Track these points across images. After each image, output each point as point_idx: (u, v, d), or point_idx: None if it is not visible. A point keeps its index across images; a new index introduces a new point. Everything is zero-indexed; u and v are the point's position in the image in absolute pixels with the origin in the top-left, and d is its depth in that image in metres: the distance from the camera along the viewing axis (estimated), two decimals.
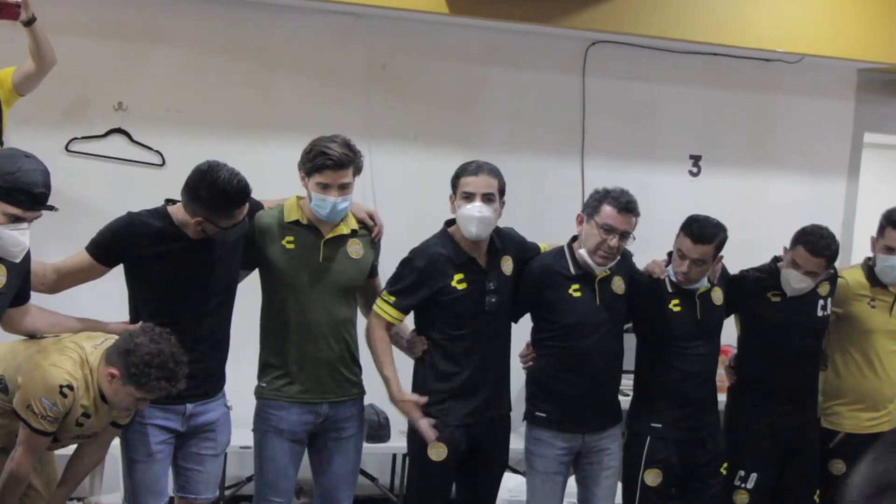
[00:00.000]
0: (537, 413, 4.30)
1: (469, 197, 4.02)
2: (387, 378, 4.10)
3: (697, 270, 4.30)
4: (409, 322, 4.27)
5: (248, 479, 5.39)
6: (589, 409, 4.27)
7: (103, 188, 5.33)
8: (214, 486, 4.04)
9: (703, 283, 4.39)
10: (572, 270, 4.23)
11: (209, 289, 3.83)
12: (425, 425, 4.07)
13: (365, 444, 4.38)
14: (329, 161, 3.83)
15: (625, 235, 4.16)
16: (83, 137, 5.37)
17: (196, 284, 3.79)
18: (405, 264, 4.12)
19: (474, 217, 4.00)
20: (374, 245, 4.16)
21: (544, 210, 5.81)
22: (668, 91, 6.45)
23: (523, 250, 4.33)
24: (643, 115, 6.42)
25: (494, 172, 4.09)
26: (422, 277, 4.05)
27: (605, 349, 4.26)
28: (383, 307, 4.09)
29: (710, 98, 6.53)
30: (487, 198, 4.02)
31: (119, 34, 5.44)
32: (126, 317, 3.85)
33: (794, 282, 4.46)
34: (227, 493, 5.49)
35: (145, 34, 5.47)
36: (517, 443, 4.51)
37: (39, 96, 4.81)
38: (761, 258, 4.74)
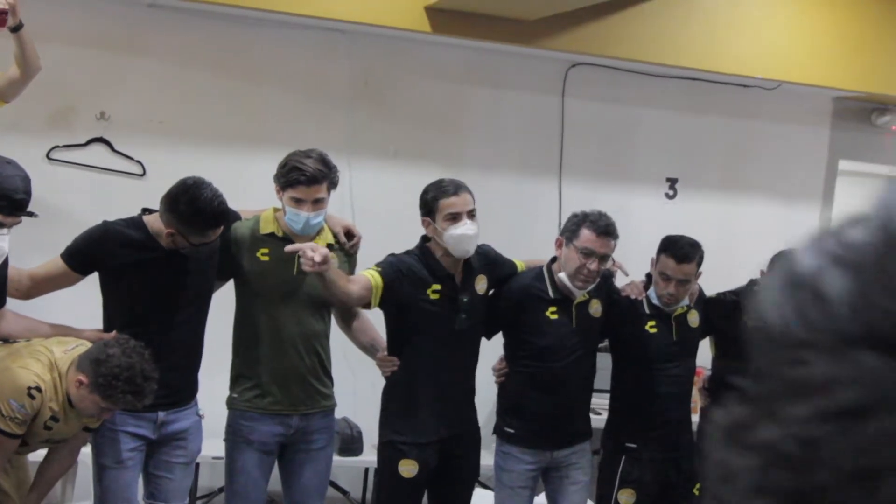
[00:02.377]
0: (506, 429, 4.34)
1: (455, 217, 4.02)
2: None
3: (683, 290, 4.37)
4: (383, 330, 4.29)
5: (220, 490, 5.39)
6: (558, 428, 4.31)
7: (84, 197, 5.36)
8: (184, 494, 4.07)
9: (681, 305, 4.45)
10: (551, 294, 4.27)
11: (183, 298, 3.87)
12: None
13: (337, 458, 4.42)
14: (303, 176, 3.86)
15: (604, 258, 4.21)
16: (65, 146, 5.40)
17: (170, 294, 3.83)
18: (393, 255, 4.13)
19: (468, 236, 4.02)
20: (349, 259, 4.20)
21: (520, 229, 5.85)
22: (646, 114, 6.51)
23: (498, 267, 4.36)
24: (621, 137, 6.49)
25: (468, 188, 4.12)
26: (402, 276, 4.04)
27: (577, 371, 4.31)
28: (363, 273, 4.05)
29: (687, 122, 6.60)
30: (471, 214, 4.06)
31: (104, 44, 5.47)
32: (100, 324, 3.88)
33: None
34: (199, 503, 5.50)
35: (130, 45, 5.51)
36: (486, 458, 4.54)
37: (22, 103, 4.82)
38: (736, 281, 4.80)
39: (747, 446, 0.35)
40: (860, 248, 0.37)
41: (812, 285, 0.38)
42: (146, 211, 3.87)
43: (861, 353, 0.34)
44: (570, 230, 4.23)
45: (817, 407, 0.33)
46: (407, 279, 4.04)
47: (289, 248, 3.80)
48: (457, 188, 4.08)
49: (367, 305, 4.08)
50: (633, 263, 4.61)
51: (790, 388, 0.35)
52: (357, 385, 4.92)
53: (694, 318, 4.53)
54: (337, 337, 4.30)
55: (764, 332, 0.38)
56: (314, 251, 3.65)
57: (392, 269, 4.02)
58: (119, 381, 3.40)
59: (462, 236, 4.02)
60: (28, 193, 3.34)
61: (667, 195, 6.60)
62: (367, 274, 4.00)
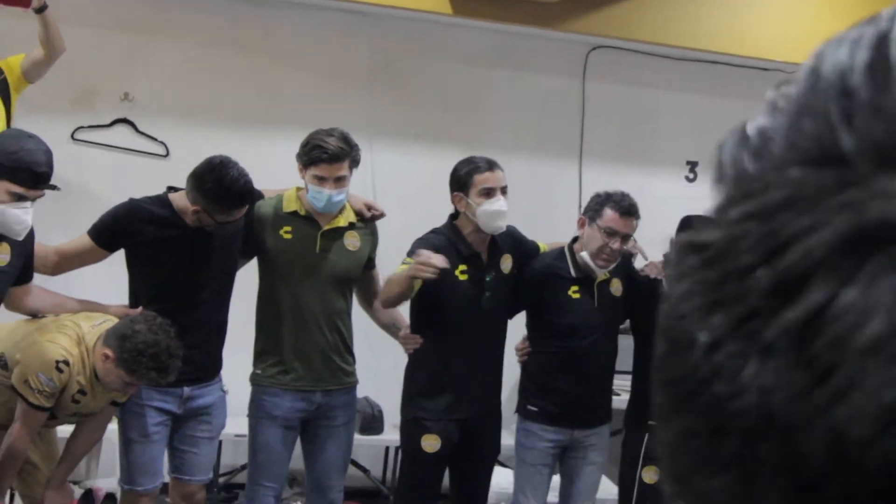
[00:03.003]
0: (529, 407, 4.38)
1: (489, 193, 4.08)
2: (403, 277, 3.95)
3: None
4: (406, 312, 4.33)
5: (243, 468, 5.46)
6: (580, 407, 4.35)
7: (107, 177, 5.41)
8: (208, 468, 4.13)
9: None
10: (572, 272, 4.31)
11: (207, 275, 3.91)
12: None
13: (358, 437, 4.46)
14: (325, 154, 3.91)
15: (626, 238, 4.25)
16: (89, 126, 5.46)
17: (195, 271, 3.88)
18: (420, 238, 4.16)
19: (503, 212, 4.08)
20: (371, 237, 4.24)
21: (541, 211, 5.87)
22: (666, 97, 6.51)
23: (522, 248, 4.41)
24: (641, 120, 6.49)
25: (501, 167, 4.18)
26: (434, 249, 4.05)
27: (600, 350, 4.35)
28: (400, 268, 4.04)
29: (708, 105, 6.59)
30: (504, 191, 4.12)
31: (127, 26, 5.52)
32: (126, 301, 3.93)
33: None
34: (221, 480, 5.56)
35: (153, 27, 5.56)
36: (506, 438, 4.58)
37: (47, 84, 4.89)
38: None
39: (693, 249, 0.40)
40: (793, 93, 0.43)
41: (756, 131, 0.43)
42: (172, 189, 3.92)
43: (790, 169, 0.40)
44: (594, 210, 4.27)
45: (745, 208, 0.38)
46: None
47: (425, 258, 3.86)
48: (491, 164, 4.14)
49: None
50: (653, 245, 4.63)
51: (731, 199, 0.40)
52: (378, 365, 4.96)
53: None
54: (358, 317, 4.34)
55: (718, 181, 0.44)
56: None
57: (432, 248, 4.04)
58: (144, 357, 3.45)
59: (497, 212, 4.07)
60: (50, 167, 3.39)
61: (687, 178, 6.61)
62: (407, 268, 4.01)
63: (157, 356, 3.47)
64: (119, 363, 3.49)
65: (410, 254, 4.07)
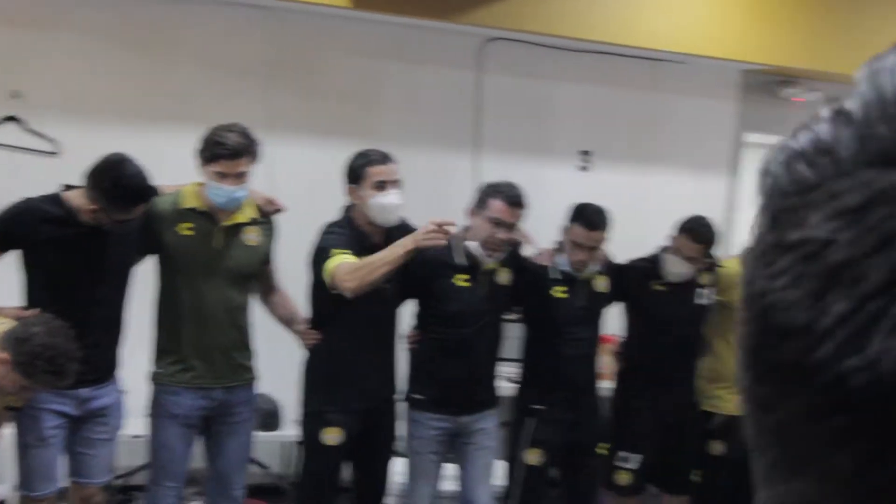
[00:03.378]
0: (415, 395, 4.42)
1: (382, 185, 4.10)
2: (396, 253, 3.88)
3: (593, 256, 4.50)
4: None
5: (140, 469, 5.41)
6: (466, 393, 4.42)
7: None
8: (107, 470, 4.08)
9: (589, 271, 4.57)
10: (459, 261, 4.36)
11: (103, 275, 3.87)
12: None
13: (257, 433, 4.45)
14: (225, 150, 3.89)
15: (513, 228, 4.31)
16: None
17: (89, 270, 3.83)
18: (328, 231, 4.14)
19: (394, 205, 4.10)
20: (270, 233, 4.23)
21: (437, 203, 5.86)
22: (560, 88, 6.61)
23: None
24: (536, 111, 6.58)
25: (395, 160, 4.20)
26: (349, 245, 4.05)
27: (485, 337, 4.42)
28: (335, 260, 3.98)
29: (600, 95, 6.71)
30: (397, 184, 4.13)
31: (15, 21, 5.40)
32: (21, 302, 3.86)
33: (675, 267, 4.68)
34: (118, 482, 5.48)
35: (42, 21, 5.45)
36: (401, 428, 4.62)
37: None
38: (647, 250, 4.93)
39: (785, 248, 0.46)
40: (855, 107, 0.48)
41: (810, 143, 0.49)
42: (67, 187, 3.86)
43: (860, 171, 0.45)
44: (481, 200, 4.33)
45: (831, 208, 0.44)
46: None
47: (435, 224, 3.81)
48: (384, 157, 4.16)
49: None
50: (547, 234, 4.71)
51: (808, 203, 0.46)
52: (274, 360, 4.94)
53: (601, 284, 4.67)
54: (254, 312, 4.32)
55: (774, 187, 0.50)
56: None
57: (347, 245, 4.04)
58: (40, 360, 3.39)
59: (388, 205, 4.10)
60: None
61: (580, 167, 6.71)
62: (347, 258, 3.97)
63: (54, 359, 3.41)
64: (15, 367, 3.42)
65: (326, 248, 4.04)
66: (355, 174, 4.15)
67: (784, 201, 0.48)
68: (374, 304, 4.16)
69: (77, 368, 3.49)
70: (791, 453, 0.45)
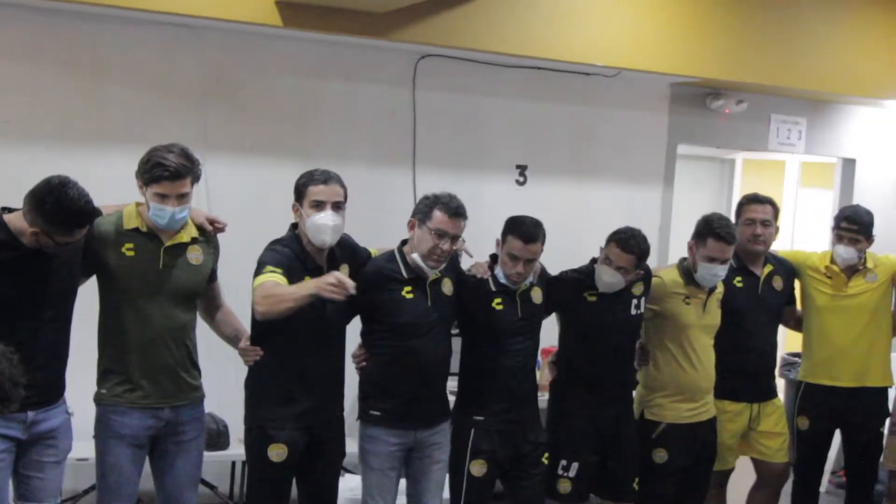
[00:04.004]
0: (371, 412, 4.43)
1: (319, 206, 4.12)
2: (301, 294, 3.91)
3: (529, 268, 4.55)
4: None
5: (86, 492, 5.37)
6: (421, 406, 4.44)
7: None
8: (56, 493, 4.03)
9: (525, 282, 4.63)
10: (404, 273, 4.40)
11: (48, 297, 3.83)
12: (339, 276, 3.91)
13: (204, 453, 4.43)
14: (166, 172, 3.89)
15: (455, 239, 4.37)
16: None
17: (34, 293, 3.79)
18: (270, 247, 4.15)
19: (328, 226, 4.11)
20: (214, 251, 4.24)
21: (377, 219, 5.90)
22: (494, 103, 6.69)
23: (356, 255, 4.47)
24: (471, 126, 6.65)
25: (340, 181, 4.22)
26: (287, 264, 4.07)
27: (435, 348, 4.45)
28: (261, 278, 3.99)
29: (534, 110, 6.80)
30: (336, 206, 4.14)
31: None
32: None
33: (606, 276, 4.75)
34: None
35: None
36: (350, 445, 4.63)
37: None
38: (584, 262, 5.00)
39: None
40: None
41: None
42: (6, 210, 3.82)
43: None
44: (423, 212, 4.37)
45: None
46: (288, 270, 4.09)
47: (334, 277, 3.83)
48: (327, 178, 4.18)
49: None
50: (484, 248, 4.76)
51: None
52: (221, 379, 4.93)
53: (537, 295, 4.73)
54: (199, 331, 4.32)
55: None
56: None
57: (284, 263, 4.06)
58: None
59: (322, 226, 4.11)
60: None
61: (517, 181, 6.79)
62: (274, 278, 3.99)
63: (0, 385, 3.37)
64: None
65: (261, 263, 4.07)
66: (298, 192, 4.19)
67: None
68: (315, 322, 4.18)
69: (23, 394, 3.45)
70: None
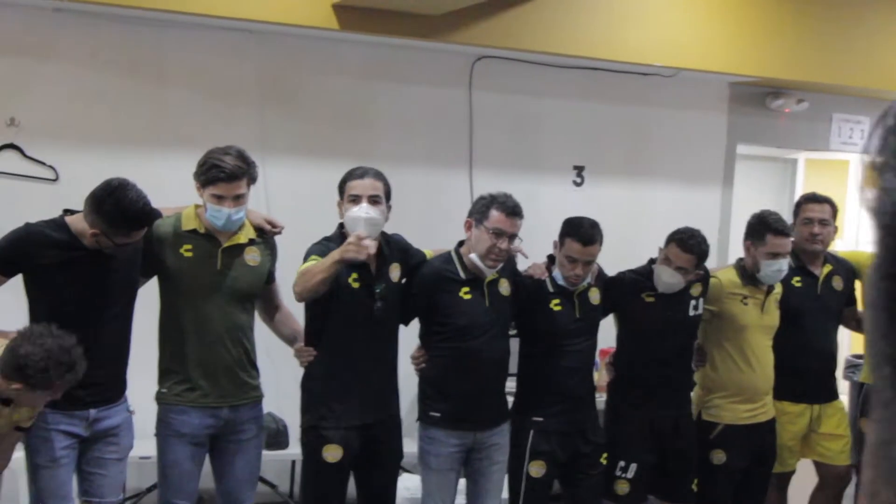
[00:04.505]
0: (431, 413, 4.45)
1: (356, 199, 4.14)
2: (327, 263, 3.97)
3: (587, 269, 4.55)
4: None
5: (148, 490, 5.44)
6: (480, 407, 4.45)
7: None
8: (118, 489, 4.12)
9: (583, 283, 4.63)
10: (462, 275, 4.41)
11: (108, 297, 3.91)
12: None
13: (264, 452, 4.48)
14: (222, 174, 3.94)
15: (513, 238, 4.37)
16: None
17: (95, 293, 3.87)
18: (316, 243, 4.20)
19: (361, 217, 4.10)
20: (271, 252, 4.28)
21: (434, 220, 5.94)
22: (551, 104, 6.67)
23: (409, 256, 4.48)
24: (528, 127, 6.64)
25: (380, 176, 4.23)
26: (324, 252, 4.09)
27: (494, 349, 4.46)
28: (303, 266, 4.07)
29: (591, 111, 6.78)
30: (373, 199, 4.15)
31: (11, 50, 5.45)
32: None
33: (666, 277, 4.73)
34: None
35: (37, 49, 5.49)
36: (410, 445, 4.65)
37: None
38: (641, 263, 4.98)
39: None
40: None
41: None
42: (67, 212, 3.90)
43: None
44: (480, 212, 4.38)
45: None
46: None
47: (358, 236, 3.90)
48: (364, 172, 4.21)
49: None
50: (541, 249, 4.76)
51: None
52: (280, 379, 4.99)
53: (595, 296, 4.72)
54: (258, 332, 4.37)
55: None
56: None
57: (323, 252, 4.09)
58: (48, 371, 3.40)
59: (356, 218, 4.11)
60: None
61: (574, 182, 6.77)
62: (312, 263, 4.06)
63: (59, 361, 3.43)
64: (32, 388, 3.45)
65: (306, 256, 4.13)
66: (340, 188, 4.23)
67: None
68: (365, 322, 4.21)
69: (81, 352, 3.49)
70: None
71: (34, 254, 3.79)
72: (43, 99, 5.52)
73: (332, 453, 4.21)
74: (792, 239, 4.94)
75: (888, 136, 0.54)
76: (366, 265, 4.20)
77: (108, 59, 5.64)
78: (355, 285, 4.18)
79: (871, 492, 0.54)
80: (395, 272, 4.33)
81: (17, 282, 3.92)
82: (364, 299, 4.19)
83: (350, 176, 4.22)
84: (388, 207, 4.25)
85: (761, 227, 4.89)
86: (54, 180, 5.50)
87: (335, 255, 3.95)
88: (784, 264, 4.88)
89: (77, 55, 5.58)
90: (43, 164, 5.49)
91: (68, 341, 3.49)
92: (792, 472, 5.37)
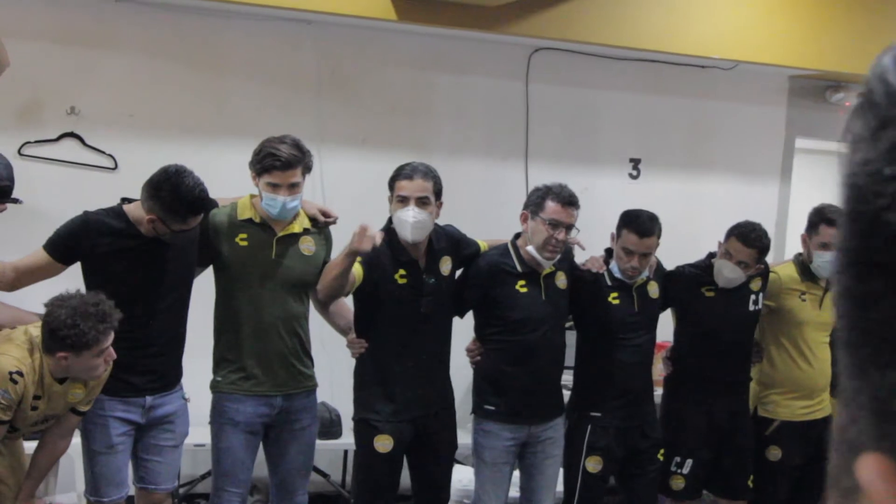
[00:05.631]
0: (486, 406, 4.44)
1: (404, 201, 4.11)
2: (341, 257, 4.01)
3: (645, 262, 4.51)
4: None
5: (202, 477, 5.49)
6: (535, 401, 4.43)
7: (57, 192, 5.38)
8: (173, 476, 4.16)
9: (641, 276, 4.59)
10: (518, 267, 4.39)
11: (165, 285, 3.94)
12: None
13: (317, 441, 4.49)
14: (277, 162, 3.95)
15: (569, 228, 4.33)
16: (36, 141, 5.43)
17: (152, 281, 3.91)
18: None
19: (408, 223, 4.09)
20: (326, 242, 4.29)
21: (490, 212, 5.93)
22: (608, 96, 6.63)
23: (462, 247, 4.46)
24: (584, 119, 6.60)
25: (429, 175, 4.18)
26: (372, 263, 4.11)
27: (550, 343, 4.43)
28: None
29: (648, 103, 6.72)
30: (422, 201, 4.11)
31: (72, 39, 5.50)
32: None
33: (727, 272, 4.68)
34: (182, 490, 5.56)
35: (98, 39, 5.55)
36: (463, 437, 4.64)
37: None
38: (698, 257, 4.94)
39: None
40: None
41: None
42: (125, 200, 3.94)
43: None
44: (535, 203, 4.35)
45: None
46: (375, 265, 4.12)
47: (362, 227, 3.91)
48: (413, 172, 4.16)
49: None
50: (598, 242, 4.73)
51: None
52: (334, 369, 5.01)
53: (654, 290, 4.68)
54: (311, 322, 4.38)
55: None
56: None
57: (369, 253, 4.07)
58: (79, 327, 3.43)
59: (403, 222, 4.10)
60: (11, 180, 3.41)
61: (630, 175, 6.72)
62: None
63: (87, 314, 3.45)
64: (75, 351, 3.47)
65: None
66: (390, 185, 4.21)
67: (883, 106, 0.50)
68: (413, 316, 4.20)
69: (111, 304, 3.50)
70: (891, 346, 0.47)
71: (92, 241, 3.83)
72: (103, 88, 5.57)
73: (383, 444, 4.21)
74: None
75: (852, 119, 0.52)
76: (414, 261, 4.19)
77: (168, 48, 5.68)
78: (402, 281, 4.17)
79: (834, 477, 0.53)
80: (445, 265, 4.31)
81: (73, 270, 3.96)
82: (411, 296, 4.18)
83: (399, 175, 4.18)
84: (440, 204, 4.22)
85: (817, 217, 4.85)
86: (113, 169, 5.55)
87: (346, 248, 3.95)
88: None
89: (137, 45, 5.63)
90: (102, 152, 5.55)
91: (95, 297, 3.51)
92: None
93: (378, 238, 3.94)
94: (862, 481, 0.49)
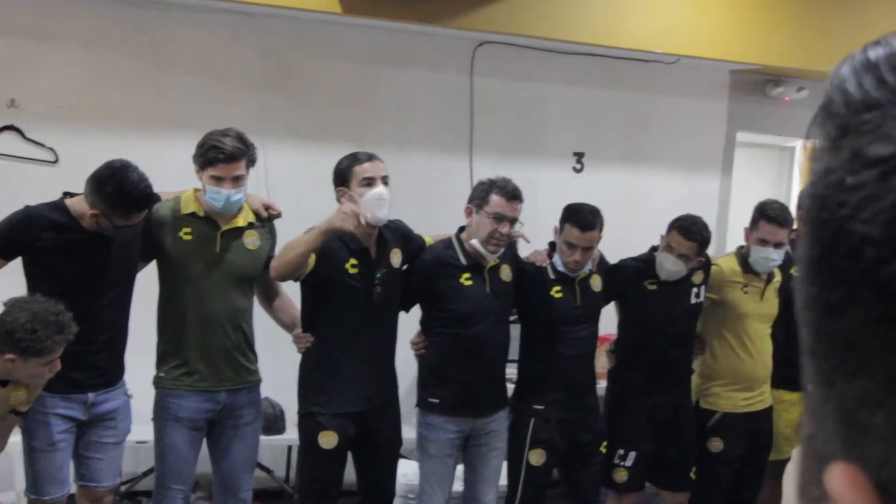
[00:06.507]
0: (430, 399, 4.45)
1: (370, 182, 4.10)
2: (314, 235, 3.97)
3: (587, 256, 4.53)
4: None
5: (145, 474, 5.44)
6: (480, 394, 4.45)
7: None
8: (115, 473, 4.11)
9: (584, 270, 4.62)
10: (463, 260, 4.40)
11: (108, 280, 3.91)
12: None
13: (260, 437, 4.47)
14: (221, 154, 3.93)
15: (513, 222, 4.35)
16: None
17: (94, 276, 3.87)
18: (310, 229, 4.16)
19: (385, 199, 4.09)
20: (270, 236, 4.27)
21: (434, 206, 5.92)
22: (552, 90, 6.66)
23: (409, 242, 4.47)
24: (529, 113, 6.62)
25: (381, 159, 4.21)
26: (323, 250, 4.07)
27: (494, 335, 4.45)
28: None
29: (592, 97, 6.76)
30: (385, 180, 4.14)
31: (10, 31, 5.43)
32: None
33: (668, 265, 4.72)
34: (124, 488, 5.51)
35: (37, 31, 5.47)
36: (408, 432, 4.64)
37: None
38: (640, 250, 4.98)
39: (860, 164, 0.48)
40: None
41: (891, 55, 0.52)
42: (67, 194, 3.89)
43: None
44: (480, 197, 4.37)
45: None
46: (326, 254, 4.10)
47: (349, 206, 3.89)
48: (370, 156, 4.19)
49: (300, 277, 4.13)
50: (541, 235, 4.75)
51: (884, 122, 0.49)
52: (277, 364, 4.98)
53: (596, 283, 4.71)
54: (256, 317, 4.36)
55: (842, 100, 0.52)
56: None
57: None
58: (37, 333, 3.40)
59: (380, 199, 4.08)
60: None
61: (574, 169, 6.76)
62: None
63: (47, 322, 3.42)
64: (24, 356, 3.43)
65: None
66: (343, 175, 4.17)
67: (857, 116, 0.50)
68: (364, 308, 4.19)
69: (70, 316, 3.47)
70: (857, 356, 0.48)
71: (33, 236, 3.78)
72: (43, 81, 5.50)
73: (328, 440, 4.20)
74: (793, 229, 4.93)
75: (812, 129, 0.53)
76: (366, 250, 4.19)
77: (109, 40, 5.62)
78: (353, 270, 4.16)
79: (803, 486, 0.54)
80: (396, 258, 4.32)
81: (14, 266, 3.91)
82: (363, 285, 4.18)
83: (356, 161, 4.16)
84: None
85: (758, 213, 4.90)
86: (54, 162, 5.49)
87: (323, 225, 3.93)
88: (773, 253, 4.85)
89: (77, 37, 5.56)
90: (43, 146, 5.48)
91: (55, 306, 3.48)
92: (788, 460, 5.35)
93: (363, 219, 3.92)
94: (831, 491, 0.49)
